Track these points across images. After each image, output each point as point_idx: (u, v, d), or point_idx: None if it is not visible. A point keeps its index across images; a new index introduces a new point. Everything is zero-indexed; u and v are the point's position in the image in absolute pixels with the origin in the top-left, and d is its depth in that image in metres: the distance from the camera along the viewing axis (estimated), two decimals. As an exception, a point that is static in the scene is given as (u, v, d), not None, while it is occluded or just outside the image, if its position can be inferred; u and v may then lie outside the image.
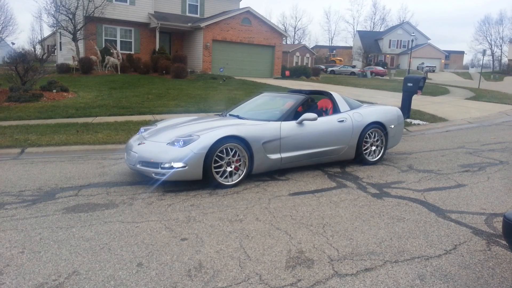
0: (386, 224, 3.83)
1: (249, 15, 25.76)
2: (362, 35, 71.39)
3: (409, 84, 10.93)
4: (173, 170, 4.65)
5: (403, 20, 78.64)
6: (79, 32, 21.71)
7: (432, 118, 11.50)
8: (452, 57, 76.32)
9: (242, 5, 28.99)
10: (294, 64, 46.04)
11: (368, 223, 3.87)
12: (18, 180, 5.27)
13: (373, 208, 4.29)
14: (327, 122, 5.81)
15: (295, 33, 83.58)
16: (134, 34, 24.79)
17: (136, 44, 24.90)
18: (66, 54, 24.96)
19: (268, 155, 5.20)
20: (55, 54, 29.78)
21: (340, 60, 62.74)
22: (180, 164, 4.63)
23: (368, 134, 6.13)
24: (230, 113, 6.28)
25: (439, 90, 22.00)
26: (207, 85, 18.42)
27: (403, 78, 11.88)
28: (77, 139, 7.76)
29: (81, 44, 22.52)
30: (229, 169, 4.92)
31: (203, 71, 23.98)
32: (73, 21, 21.32)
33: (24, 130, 8.54)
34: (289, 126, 5.44)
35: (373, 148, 6.25)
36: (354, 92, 18.74)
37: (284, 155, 5.35)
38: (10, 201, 4.44)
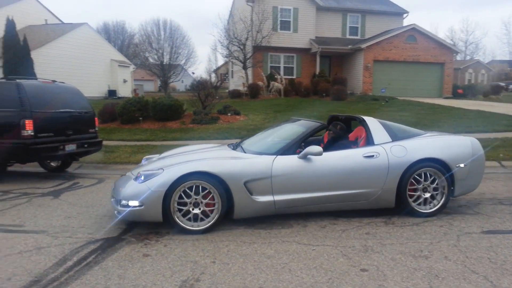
0: None
1: (414, 32, 24.30)
2: (556, 44, 59.88)
3: None
4: (129, 209, 4.10)
5: None
6: (248, 60, 23.89)
7: None
8: None
9: (405, 22, 27.53)
10: (466, 82, 41.40)
11: None
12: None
13: None
14: (347, 158, 4.58)
15: (466, 48, 75.35)
16: (296, 60, 26.00)
17: (298, 69, 26.04)
18: (237, 81, 27.72)
19: (254, 197, 4.28)
20: (227, 81, 33.38)
21: (526, 76, 53.69)
22: (135, 203, 4.07)
23: (418, 175, 4.60)
24: (242, 143, 5.36)
25: None
26: (368, 107, 17.92)
27: None
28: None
29: (249, 72, 24.71)
30: (196, 211, 4.16)
31: (363, 93, 23.51)
32: (243, 51, 23.60)
33: (205, 149, 9.64)
34: (287, 162, 4.42)
35: (427, 195, 4.64)
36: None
37: (278, 197, 4.35)
38: (200, 213, 4.97)
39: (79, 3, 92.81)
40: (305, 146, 4.61)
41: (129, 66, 33.90)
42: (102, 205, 5.33)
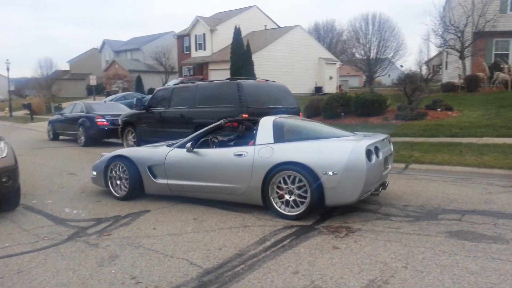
0: None
1: None
2: None
3: None
4: (92, 176, 6.13)
5: None
6: (466, 49, 21.08)
7: None
8: None
9: None
10: None
11: None
12: (402, 195, 5.58)
13: None
14: (221, 155, 5.11)
15: None
16: (532, 44, 21.48)
17: (534, 55, 21.45)
18: (451, 73, 24.88)
19: (154, 179, 5.48)
20: (440, 73, 30.36)
21: None
22: (94, 173, 6.04)
23: (284, 178, 4.54)
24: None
25: None
26: None
27: None
28: (460, 159, 7.44)
29: (467, 61, 21.79)
30: (118, 182, 5.74)
31: None
32: (461, 38, 20.94)
33: (408, 146, 9.08)
34: (177, 153, 5.37)
35: (291, 197, 4.54)
36: None
37: (171, 181, 5.39)
38: (395, 213, 4.74)
39: (294, 6, 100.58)
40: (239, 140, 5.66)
41: (335, 63, 34.85)
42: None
